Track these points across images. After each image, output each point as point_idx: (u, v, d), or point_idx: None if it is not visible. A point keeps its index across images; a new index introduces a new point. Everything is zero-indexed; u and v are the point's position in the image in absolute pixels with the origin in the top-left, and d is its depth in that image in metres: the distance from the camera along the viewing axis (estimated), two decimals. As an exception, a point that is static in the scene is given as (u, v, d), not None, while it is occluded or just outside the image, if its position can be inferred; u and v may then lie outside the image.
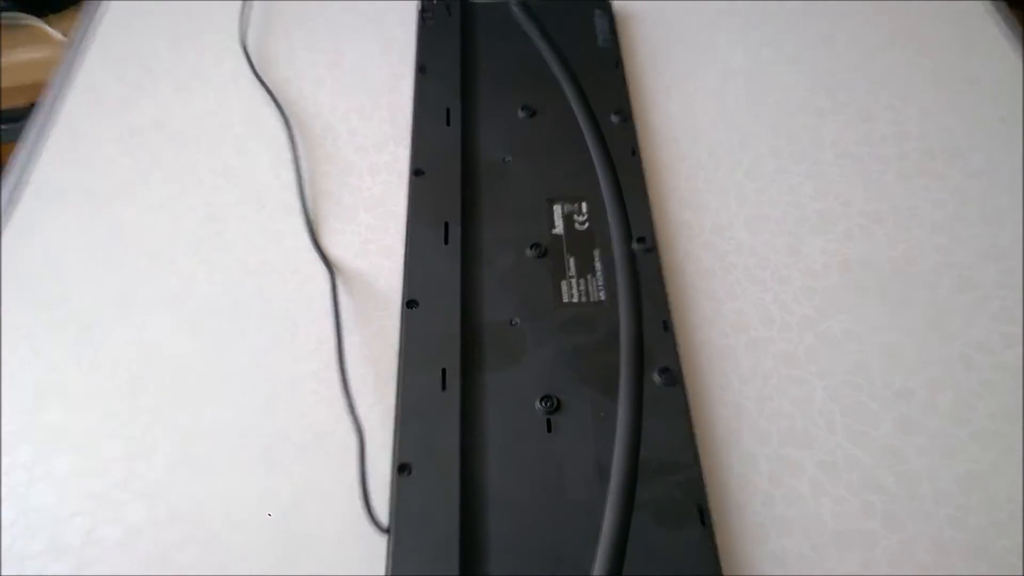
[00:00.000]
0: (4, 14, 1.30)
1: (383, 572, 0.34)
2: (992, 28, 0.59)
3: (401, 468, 0.36)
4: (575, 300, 0.43)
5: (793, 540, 0.36)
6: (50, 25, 1.27)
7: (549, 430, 0.38)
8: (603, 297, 0.43)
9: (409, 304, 0.42)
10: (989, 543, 0.35)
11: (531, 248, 0.45)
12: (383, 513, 0.35)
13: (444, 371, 0.39)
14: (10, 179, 0.51)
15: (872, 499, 0.37)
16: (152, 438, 0.40)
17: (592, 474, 0.36)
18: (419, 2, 0.60)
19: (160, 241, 0.48)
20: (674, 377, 0.39)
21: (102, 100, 0.56)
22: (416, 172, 0.48)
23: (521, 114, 0.52)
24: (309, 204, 0.49)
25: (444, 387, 0.39)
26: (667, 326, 0.41)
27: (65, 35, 1.22)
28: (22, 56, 1.23)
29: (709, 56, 0.58)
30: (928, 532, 0.35)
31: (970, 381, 0.40)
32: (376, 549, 0.35)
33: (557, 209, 0.47)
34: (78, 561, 0.36)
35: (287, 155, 0.52)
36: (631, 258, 0.44)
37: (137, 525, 0.37)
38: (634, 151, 0.50)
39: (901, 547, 0.35)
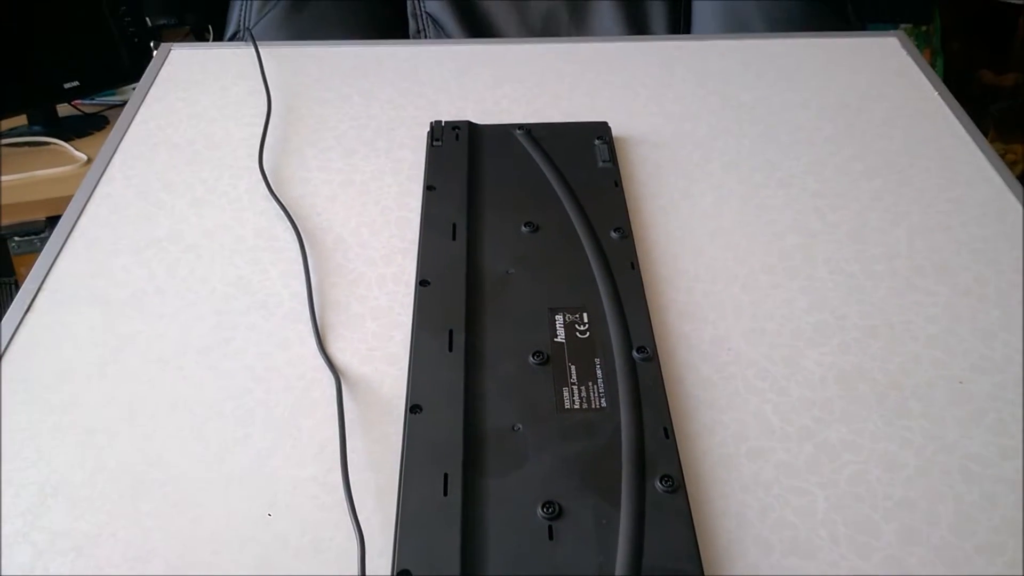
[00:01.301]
0: (30, 136, 1.37)
1: None
2: (974, 153, 0.63)
3: (401, 575, 0.36)
4: (576, 406, 0.43)
5: (801, 656, 0.35)
6: (75, 148, 1.34)
7: (551, 537, 0.38)
8: (604, 404, 0.44)
9: (413, 409, 0.43)
10: (1002, 661, 0.34)
11: (533, 356, 0.46)
12: (381, 622, 0.35)
13: (446, 476, 0.40)
14: (28, 284, 0.53)
15: (880, 613, 0.36)
16: (152, 544, 0.39)
17: (594, 584, 0.36)
18: (430, 126, 0.64)
19: (170, 349, 0.49)
20: (675, 484, 0.39)
21: (121, 213, 0.59)
22: (422, 283, 0.50)
23: (524, 230, 0.54)
24: (318, 312, 0.51)
25: (446, 492, 0.39)
26: (668, 433, 0.42)
27: (89, 158, 1.28)
28: (44, 173, 1.29)
29: (704, 179, 0.61)
30: (939, 649, 0.35)
31: (971, 493, 0.40)
32: (373, 660, 0.34)
33: (559, 319, 0.48)
34: (66, 670, 0.35)
35: (298, 267, 0.54)
36: (632, 366, 0.45)
37: (129, 633, 0.36)
38: (633, 265, 0.52)
39: (912, 664, 0.34)
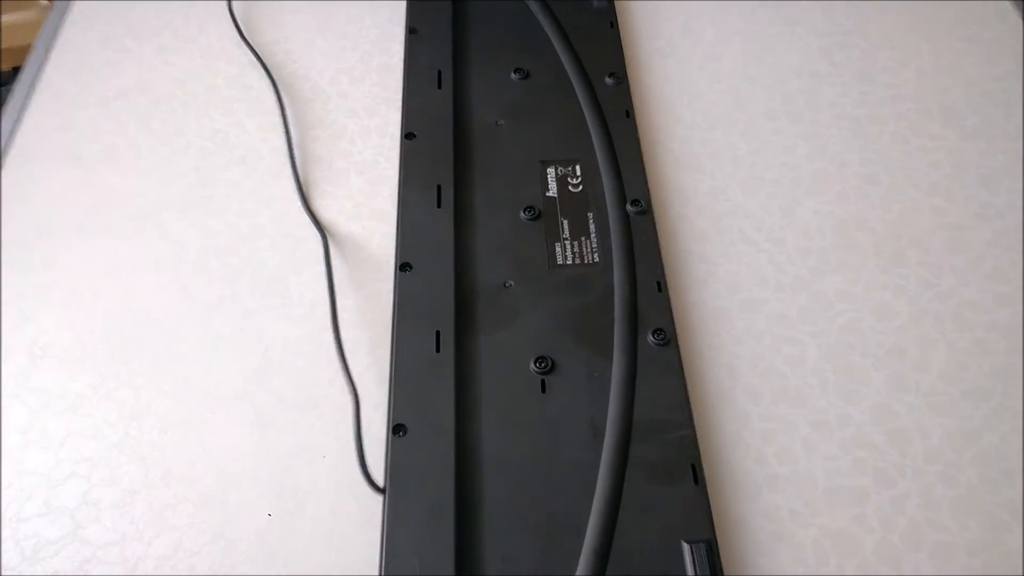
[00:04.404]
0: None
1: (379, 530, 0.34)
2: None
3: (396, 429, 0.36)
4: (569, 262, 0.43)
5: (785, 497, 0.36)
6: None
7: (543, 391, 0.38)
8: (597, 259, 0.43)
9: (402, 267, 0.42)
10: (980, 500, 0.35)
11: (525, 211, 0.45)
12: (378, 473, 0.36)
13: (438, 333, 0.39)
14: (-4, 143, 0.51)
15: (863, 456, 0.37)
16: (146, 401, 0.40)
17: (586, 434, 0.36)
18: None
19: (148, 206, 0.47)
20: (668, 337, 0.39)
21: (85, 63, 0.55)
22: (408, 135, 0.48)
23: (514, 76, 0.51)
24: (300, 168, 0.49)
25: (438, 349, 0.39)
26: (661, 287, 0.41)
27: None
28: (5, 19, 1.21)
29: (705, 16, 0.57)
30: (919, 489, 0.36)
31: (963, 340, 0.41)
32: (372, 508, 0.35)
33: (551, 172, 0.47)
34: (74, 523, 0.36)
35: (276, 119, 0.51)
36: (625, 220, 0.44)
37: (132, 487, 0.37)
38: (628, 113, 0.49)
39: (892, 503, 0.35)
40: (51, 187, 0.48)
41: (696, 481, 0.35)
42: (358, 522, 0.35)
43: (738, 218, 0.46)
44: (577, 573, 0.32)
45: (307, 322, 0.42)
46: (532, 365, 0.38)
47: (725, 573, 0.33)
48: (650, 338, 0.39)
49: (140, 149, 0.50)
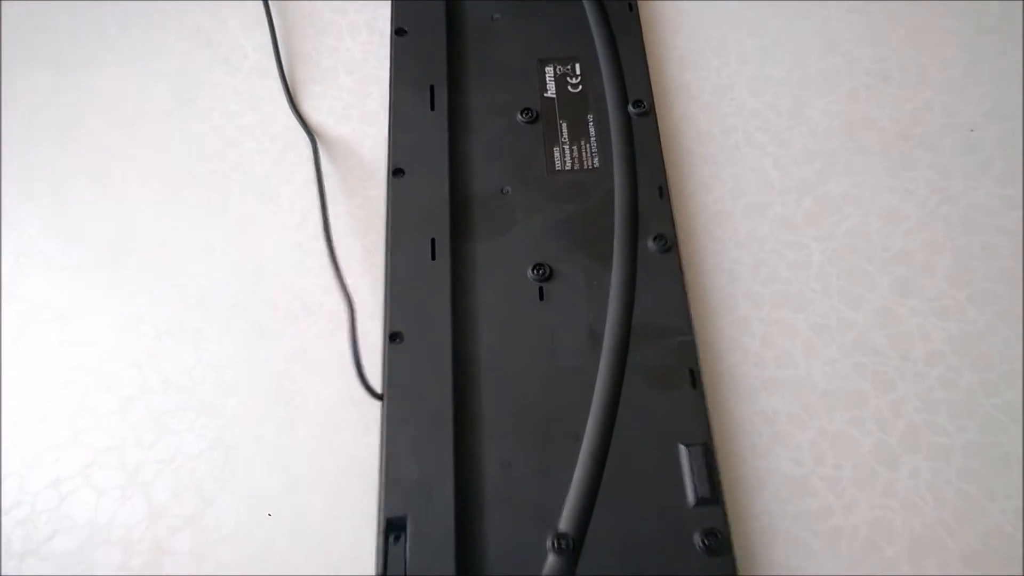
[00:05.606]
0: None
1: (379, 436, 0.34)
2: None
3: (393, 336, 0.36)
4: (568, 167, 0.41)
5: (783, 400, 0.36)
6: None
7: (541, 298, 0.37)
8: (597, 163, 0.41)
9: (395, 172, 0.41)
10: (978, 403, 0.35)
11: (522, 113, 0.43)
12: (376, 381, 0.35)
13: (433, 241, 0.38)
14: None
15: (864, 360, 0.37)
16: (138, 309, 0.39)
17: (584, 341, 0.36)
18: None
19: (131, 110, 0.46)
20: (669, 244, 0.38)
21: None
22: (398, 31, 0.46)
23: (510, -33, 0.48)
24: (286, 67, 0.46)
25: (434, 257, 0.38)
26: (662, 192, 0.40)
27: None
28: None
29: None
30: (918, 392, 0.36)
31: (971, 244, 0.40)
32: (370, 414, 0.35)
33: (549, 70, 0.45)
34: (72, 429, 0.36)
35: (257, 13, 0.48)
36: (627, 122, 0.42)
37: (129, 394, 0.37)
38: (631, 6, 0.47)
39: (890, 407, 0.35)
40: (30, 91, 0.46)
41: (694, 385, 0.35)
42: (357, 428, 0.35)
43: (743, 118, 0.44)
44: (575, 477, 0.32)
45: (299, 230, 0.41)
46: (530, 272, 0.38)
47: (721, 475, 0.33)
48: (651, 244, 0.38)
49: (118, 51, 0.48)
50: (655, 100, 0.44)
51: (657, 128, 0.42)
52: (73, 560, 0.32)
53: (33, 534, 0.33)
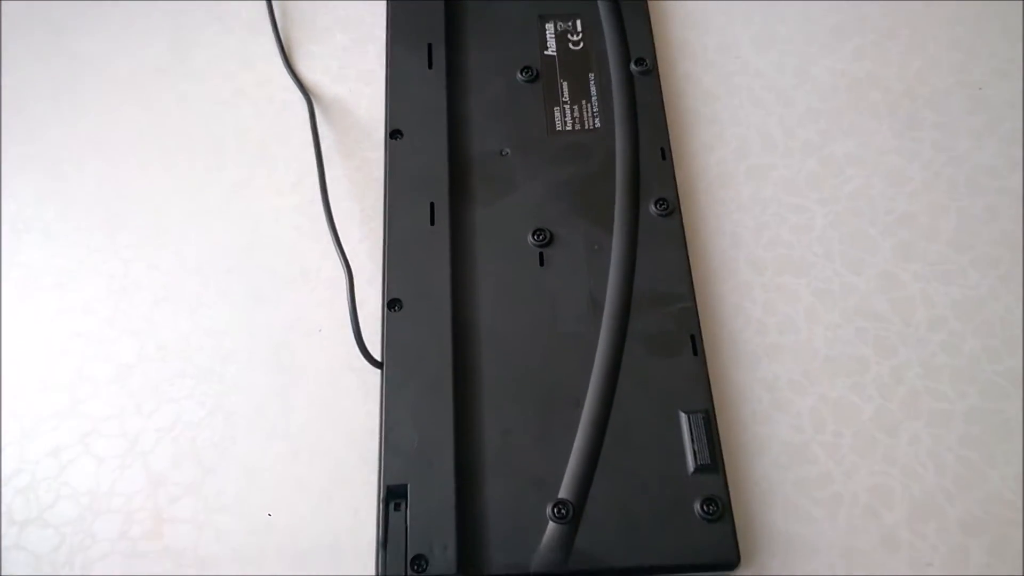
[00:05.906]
0: None
1: (378, 403, 0.34)
2: None
3: (392, 304, 0.36)
4: (569, 128, 0.41)
5: (784, 366, 0.36)
6: None
7: (541, 264, 0.37)
8: (598, 124, 0.41)
9: (393, 134, 0.40)
10: (980, 369, 0.35)
11: (522, 72, 0.42)
12: (375, 348, 0.35)
13: (432, 205, 0.38)
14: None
15: (865, 325, 0.36)
16: (135, 275, 0.39)
17: (585, 307, 0.36)
18: None
19: (125, 70, 0.45)
20: (671, 207, 0.38)
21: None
22: (395, -13, 0.44)
23: (509, -81, 0.47)
24: (280, 25, 0.45)
25: (432, 221, 0.38)
26: (665, 154, 0.39)
27: None
28: None
29: None
30: (920, 357, 0.36)
31: (974, 206, 0.39)
32: (370, 381, 0.35)
33: (549, 27, 0.44)
34: (71, 397, 0.36)
35: (253, -30, 0.47)
36: (629, 81, 0.42)
37: (128, 361, 0.37)
38: (633, -39, 0.45)
39: (892, 372, 0.35)
40: (23, 53, 0.45)
41: (695, 352, 0.34)
42: (356, 395, 0.35)
43: (748, 77, 0.43)
44: (575, 444, 0.32)
45: (296, 192, 0.41)
46: (530, 237, 0.37)
47: (722, 442, 0.33)
48: (652, 208, 0.38)
49: (110, 13, 0.46)
50: (658, 58, 0.43)
51: (660, 87, 0.42)
52: (73, 529, 0.33)
53: (33, 503, 0.33)
